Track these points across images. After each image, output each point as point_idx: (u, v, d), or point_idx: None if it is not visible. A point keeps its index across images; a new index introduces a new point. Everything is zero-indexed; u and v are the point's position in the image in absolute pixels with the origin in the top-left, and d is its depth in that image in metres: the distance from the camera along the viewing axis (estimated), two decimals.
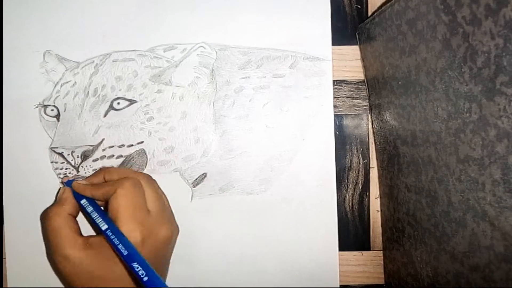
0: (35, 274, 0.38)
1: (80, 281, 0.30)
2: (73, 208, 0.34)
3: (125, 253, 0.30)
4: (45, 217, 0.33)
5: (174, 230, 0.35)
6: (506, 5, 0.20)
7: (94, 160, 0.37)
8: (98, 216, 0.33)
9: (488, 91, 0.22)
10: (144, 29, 0.38)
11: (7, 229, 0.38)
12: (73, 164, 0.37)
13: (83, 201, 0.34)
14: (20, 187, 0.38)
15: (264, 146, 0.38)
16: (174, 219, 0.36)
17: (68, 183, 0.36)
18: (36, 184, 0.38)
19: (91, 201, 0.34)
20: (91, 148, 0.37)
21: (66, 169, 0.37)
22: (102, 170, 0.36)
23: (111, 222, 0.32)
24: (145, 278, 0.28)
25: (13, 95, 0.38)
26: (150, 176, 0.36)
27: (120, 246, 0.30)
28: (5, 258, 0.38)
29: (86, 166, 0.37)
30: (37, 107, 0.38)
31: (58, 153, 0.37)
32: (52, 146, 0.37)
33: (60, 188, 0.36)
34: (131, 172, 0.35)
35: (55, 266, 0.31)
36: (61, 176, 0.38)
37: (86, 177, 0.36)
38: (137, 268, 0.29)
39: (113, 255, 0.31)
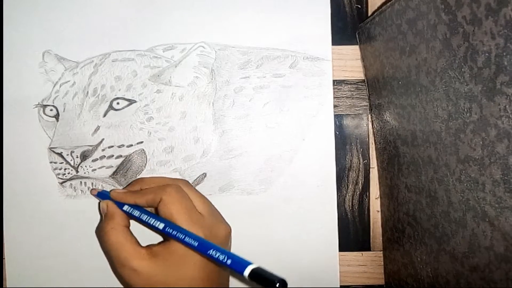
0: (34, 274, 0.38)
1: None
2: (126, 219, 0.33)
3: (196, 244, 0.28)
4: (102, 234, 0.32)
5: (229, 228, 0.34)
6: (506, 5, 0.20)
7: (94, 160, 0.37)
8: (149, 217, 0.32)
9: (489, 91, 0.22)
10: (143, 29, 0.38)
11: (6, 229, 0.38)
12: (72, 164, 0.37)
13: (126, 207, 0.33)
14: (19, 187, 0.38)
15: (264, 146, 0.38)
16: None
17: (101, 195, 0.36)
18: (35, 184, 0.38)
19: (134, 206, 0.33)
20: (90, 148, 0.37)
21: (65, 169, 0.37)
22: (138, 180, 0.36)
23: (165, 220, 0.31)
24: (229, 261, 0.27)
25: (12, 95, 0.38)
26: (187, 181, 0.36)
27: (187, 239, 0.29)
28: (4, 259, 0.38)
29: (86, 166, 0.37)
30: (36, 107, 0.38)
31: (57, 153, 0.37)
32: (51, 146, 0.37)
33: (99, 202, 0.36)
34: (168, 179, 0.35)
35: (123, 280, 0.31)
36: (60, 176, 0.37)
37: (122, 188, 0.36)
38: (216, 254, 0.27)
39: (179, 262, 0.30)
